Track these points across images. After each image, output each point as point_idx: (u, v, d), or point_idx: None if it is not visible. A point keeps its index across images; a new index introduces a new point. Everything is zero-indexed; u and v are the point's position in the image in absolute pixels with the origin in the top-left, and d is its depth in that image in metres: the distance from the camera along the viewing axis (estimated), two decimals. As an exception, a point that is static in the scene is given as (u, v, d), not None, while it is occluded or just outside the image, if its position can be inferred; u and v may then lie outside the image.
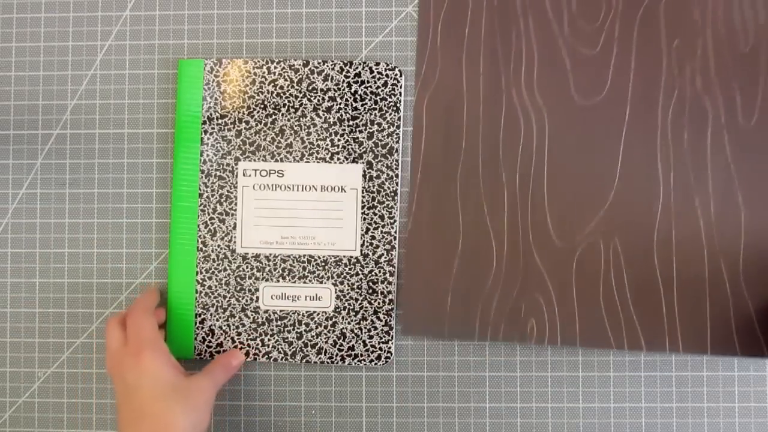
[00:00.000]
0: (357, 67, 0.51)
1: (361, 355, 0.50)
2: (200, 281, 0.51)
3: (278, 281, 0.51)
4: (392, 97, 0.51)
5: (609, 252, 0.50)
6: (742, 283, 0.49)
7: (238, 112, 0.51)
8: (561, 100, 0.51)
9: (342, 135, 0.51)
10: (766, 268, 0.49)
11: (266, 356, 0.50)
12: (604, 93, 0.51)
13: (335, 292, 0.50)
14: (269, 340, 0.51)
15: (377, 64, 0.51)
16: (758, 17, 0.50)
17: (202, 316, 0.51)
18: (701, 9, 0.50)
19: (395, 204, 0.51)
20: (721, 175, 0.50)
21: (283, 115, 0.51)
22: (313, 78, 0.51)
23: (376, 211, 0.50)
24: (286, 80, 0.51)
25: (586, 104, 0.51)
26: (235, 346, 0.51)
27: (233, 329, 0.51)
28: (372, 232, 0.50)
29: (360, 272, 0.50)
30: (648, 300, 0.49)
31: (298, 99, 0.51)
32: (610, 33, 0.51)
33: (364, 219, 0.50)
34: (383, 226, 0.50)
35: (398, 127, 0.51)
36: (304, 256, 0.51)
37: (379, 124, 0.51)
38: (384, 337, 0.50)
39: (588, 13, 0.51)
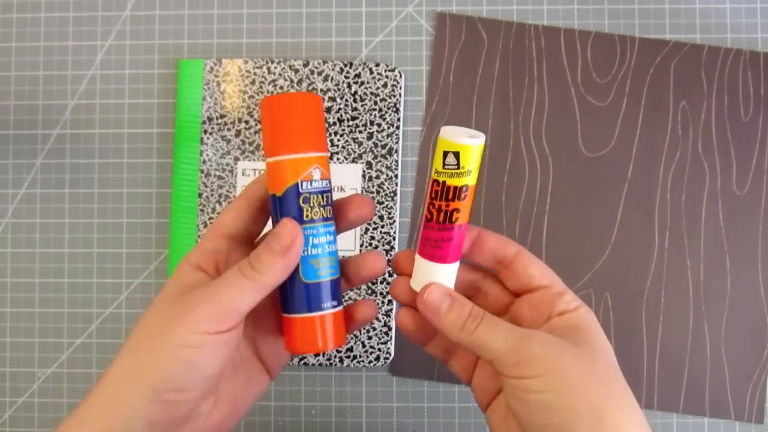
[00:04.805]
0: (357, 68, 0.51)
1: (360, 357, 0.50)
2: (200, 281, 0.51)
3: (277, 282, 0.51)
4: (392, 97, 0.51)
5: (600, 306, 0.50)
6: (722, 348, 0.50)
7: (238, 112, 0.51)
8: (567, 150, 0.51)
9: (341, 135, 0.51)
10: (746, 336, 0.50)
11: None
12: (610, 146, 0.51)
13: (334, 293, 0.50)
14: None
15: (377, 64, 0.51)
16: (759, 89, 0.51)
17: (202, 317, 0.51)
18: (709, 74, 0.51)
19: (395, 204, 0.50)
20: (712, 240, 0.50)
21: (282, 115, 0.51)
22: (313, 78, 0.51)
23: (376, 212, 0.50)
24: (286, 80, 0.51)
25: (592, 156, 0.51)
26: None
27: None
28: (371, 233, 0.50)
29: (359, 273, 0.50)
30: (631, 357, 0.50)
31: (298, 99, 0.51)
32: (621, 87, 0.51)
33: (364, 219, 0.50)
34: (382, 227, 0.50)
35: (398, 127, 0.50)
36: (304, 256, 0.50)
37: (379, 125, 0.51)
38: (383, 337, 0.50)
39: (602, 65, 0.51)
